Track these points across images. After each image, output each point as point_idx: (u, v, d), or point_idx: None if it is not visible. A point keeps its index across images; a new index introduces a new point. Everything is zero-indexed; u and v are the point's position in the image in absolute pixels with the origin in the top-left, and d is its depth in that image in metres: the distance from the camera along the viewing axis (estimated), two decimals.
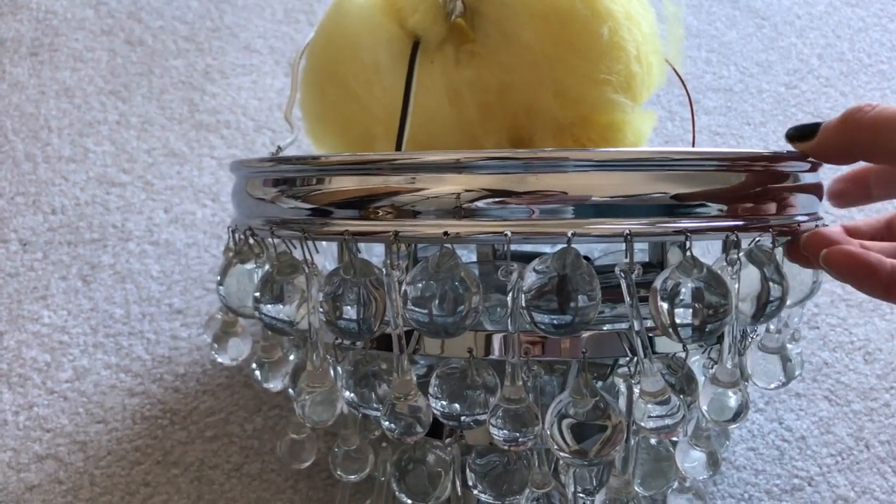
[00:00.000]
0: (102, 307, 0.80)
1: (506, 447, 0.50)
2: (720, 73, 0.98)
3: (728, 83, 0.97)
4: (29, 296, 0.81)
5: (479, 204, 0.47)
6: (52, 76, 0.98)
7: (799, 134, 0.52)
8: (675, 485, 0.62)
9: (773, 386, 0.59)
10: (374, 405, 0.56)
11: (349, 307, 0.49)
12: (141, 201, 0.88)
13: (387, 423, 0.52)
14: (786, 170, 0.51)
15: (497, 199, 0.47)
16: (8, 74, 0.98)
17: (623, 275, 0.47)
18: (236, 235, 0.58)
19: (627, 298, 0.47)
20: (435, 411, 0.52)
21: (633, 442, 0.56)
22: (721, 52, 0.99)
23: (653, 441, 0.60)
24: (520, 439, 0.50)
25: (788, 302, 0.56)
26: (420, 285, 0.48)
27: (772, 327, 0.58)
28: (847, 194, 0.58)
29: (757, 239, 0.51)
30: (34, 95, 0.96)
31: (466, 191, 0.47)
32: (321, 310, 0.51)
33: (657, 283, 0.47)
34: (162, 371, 0.76)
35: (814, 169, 0.53)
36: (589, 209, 0.47)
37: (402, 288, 0.48)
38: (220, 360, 0.65)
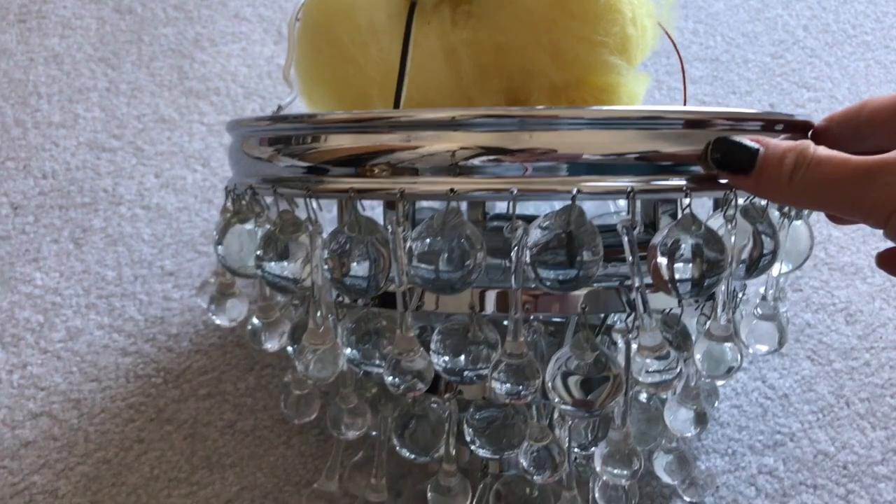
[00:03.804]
0: (94, 269, 0.81)
1: (508, 401, 0.51)
2: (707, 44, 0.99)
3: (714, 53, 0.98)
4: (21, 258, 0.81)
5: (475, 162, 0.48)
6: (41, 43, 0.98)
7: (726, 161, 0.49)
8: (663, 443, 0.64)
9: (766, 350, 0.60)
10: (377, 362, 0.56)
11: (356, 264, 0.50)
12: (132, 166, 0.88)
13: (390, 378, 0.53)
14: (778, 129, 0.52)
15: (492, 157, 0.48)
16: None
17: (625, 231, 0.48)
18: (235, 195, 0.59)
19: (629, 254, 0.48)
20: (437, 367, 0.53)
21: (630, 394, 0.57)
22: (708, 23, 1.00)
23: (642, 398, 0.61)
24: (522, 392, 0.51)
25: (787, 268, 0.58)
26: (427, 241, 0.48)
27: (769, 294, 0.59)
28: None
29: (751, 196, 0.52)
30: (23, 62, 0.96)
31: (462, 148, 0.48)
32: (325, 267, 0.51)
33: (657, 240, 0.48)
34: (155, 331, 0.77)
35: (806, 130, 0.54)
36: (582, 167, 0.48)
37: (408, 245, 0.49)
38: (218, 321, 0.66)
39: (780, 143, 0.48)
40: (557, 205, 0.49)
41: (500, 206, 0.68)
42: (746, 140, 0.48)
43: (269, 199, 0.59)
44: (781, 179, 0.47)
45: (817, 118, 0.55)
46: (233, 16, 1.01)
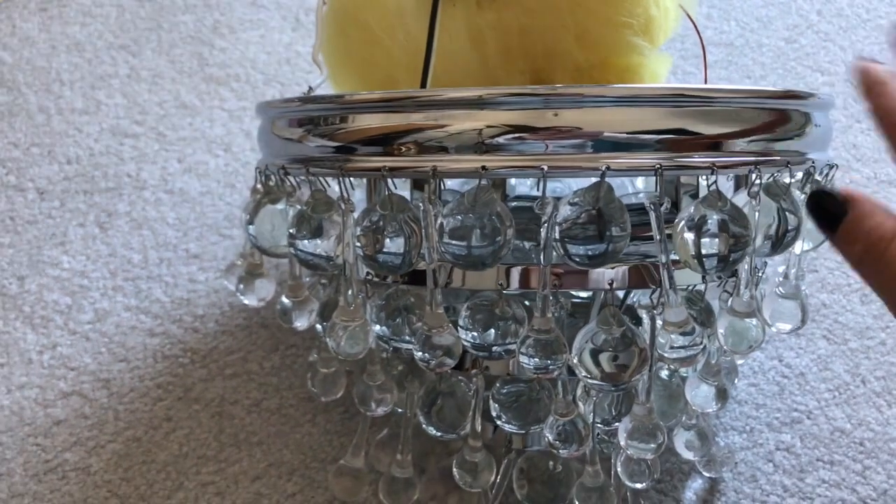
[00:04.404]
0: (120, 252, 0.82)
1: (535, 375, 0.52)
2: (721, 28, 1.00)
3: (729, 38, 0.99)
4: (48, 242, 0.83)
5: (501, 140, 0.49)
6: (62, 31, 0.99)
7: (822, 217, 0.49)
8: (683, 420, 0.64)
9: (789, 328, 0.61)
10: (406, 338, 0.57)
11: (390, 241, 0.51)
12: (154, 152, 0.89)
13: (420, 353, 0.54)
14: (800, 108, 0.53)
15: (518, 135, 0.49)
16: (18, 29, 0.99)
17: (652, 207, 0.49)
18: (265, 175, 0.60)
19: (656, 230, 0.49)
20: (465, 343, 0.54)
21: (653, 371, 0.58)
22: (722, 8, 1.01)
23: (664, 375, 0.62)
24: (550, 367, 0.51)
25: (808, 246, 0.59)
26: (458, 218, 0.49)
27: (791, 273, 0.60)
28: None
29: (774, 174, 0.53)
30: (45, 50, 0.98)
31: (488, 127, 0.49)
32: (358, 244, 0.52)
33: (683, 215, 0.49)
34: (181, 313, 0.78)
35: (825, 108, 0.55)
36: (608, 144, 0.48)
37: (439, 221, 0.50)
38: (246, 301, 0.67)
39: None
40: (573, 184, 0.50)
41: (519, 190, 0.69)
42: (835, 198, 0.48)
43: (298, 180, 0.60)
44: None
45: None
46: (251, 3, 1.02)
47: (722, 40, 0.98)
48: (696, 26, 0.66)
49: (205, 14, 1.01)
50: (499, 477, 0.63)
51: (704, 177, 0.54)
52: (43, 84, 0.95)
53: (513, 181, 0.68)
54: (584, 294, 0.65)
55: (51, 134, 0.90)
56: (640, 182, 0.70)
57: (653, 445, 0.56)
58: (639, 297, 0.62)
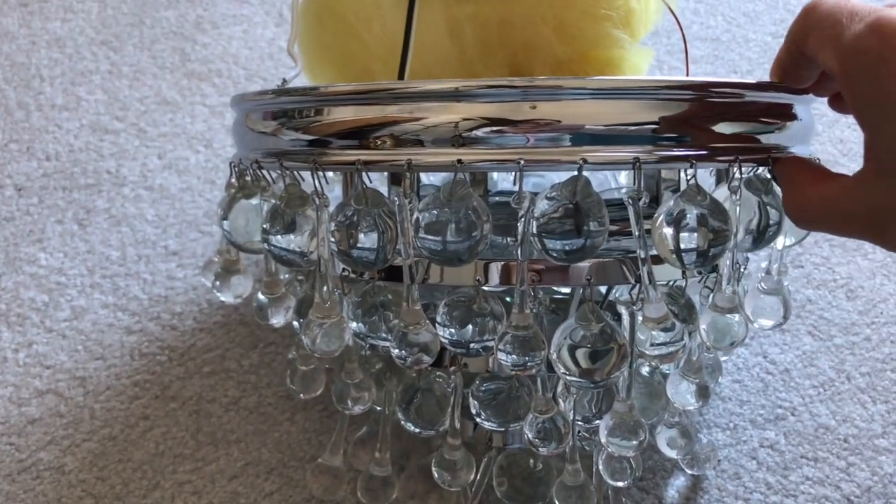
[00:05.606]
0: (99, 249, 0.81)
1: (513, 372, 0.52)
2: (707, 24, 0.99)
3: (715, 33, 0.98)
4: (25, 239, 0.82)
5: (478, 133, 0.48)
6: (43, 27, 0.98)
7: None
8: (666, 417, 0.64)
9: (771, 325, 0.60)
10: (383, 335, 0.57)
11: (364, 236, 0.50)
12: (135, 148, 0.88)
13: (397, 351, 0.53)
14: (781, 101, 0.52)
15: (496, 128, 0.48)
16: None
17: (631, 202, 0.48)
18: (240, 170, 0.59)
19: (634, 225, 0.49)
20: (443, 339, 0.53)
21: (633, 367, 0.57)
22: (708, 3, 1.01)
23: (644, 372, 0.61)
24: (528, 363, 0.51)
25: (791, 241, 0.58)
26: (434, 212, 0.49)
27: (773, 269, 0.59)
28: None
29: (754, 168, 0.52)
30: (25, 45, 0.97)
31: (465, 119, 0.48)
32: (332, 240, 0.52)
33: (662, 210, 0.49)
34: (159, 310, 0.77)
35: (807, 102, 0.54)
36: (586, 137, 0.48)
37: (414, 216, 0.49)
38: (223, 298, 0.66)
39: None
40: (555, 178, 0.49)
41: (501, 186, 0.68)
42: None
43: (274, 174, 0.59)
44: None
45: None
46: None
47: (708, 35, 0.98)
48: (677, 19, 0.66)
49: (187, 9, 1.00)
50: (478, 475, 0.63)
51: (685, 171, 0.53)
52: (22, 80, 0.94)
53: (495, 176, 0.67)
54: (566, 290, 0.64)
55: (30, 130, 0.89)
56: (622, 177, 0.70)
57: (634, 443, 0.55)
58: (621, 292, 0.61)
